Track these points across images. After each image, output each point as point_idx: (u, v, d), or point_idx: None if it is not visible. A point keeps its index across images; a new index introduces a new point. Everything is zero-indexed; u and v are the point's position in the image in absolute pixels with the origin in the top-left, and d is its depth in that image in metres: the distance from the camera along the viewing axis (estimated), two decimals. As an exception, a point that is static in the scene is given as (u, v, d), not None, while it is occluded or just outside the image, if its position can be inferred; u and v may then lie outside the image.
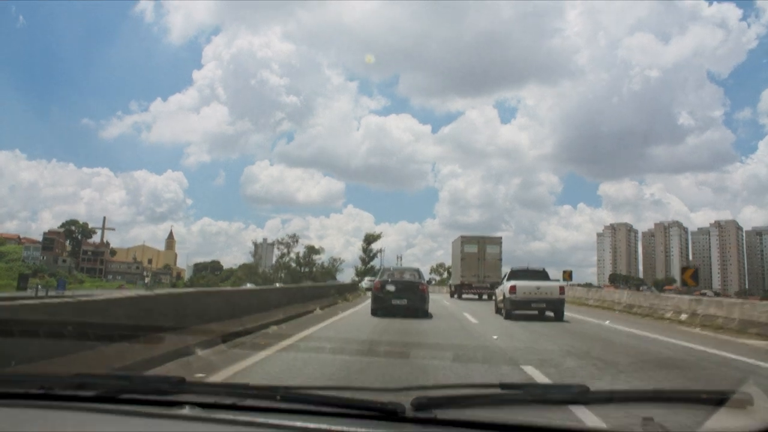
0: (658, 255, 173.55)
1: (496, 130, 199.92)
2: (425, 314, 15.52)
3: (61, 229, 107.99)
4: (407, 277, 17.02)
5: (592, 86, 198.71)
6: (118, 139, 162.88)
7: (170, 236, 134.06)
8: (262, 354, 7.48)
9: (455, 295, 33.48)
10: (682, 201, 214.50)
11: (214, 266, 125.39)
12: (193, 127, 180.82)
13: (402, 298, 15.59)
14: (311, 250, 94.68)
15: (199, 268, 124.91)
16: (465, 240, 33.76)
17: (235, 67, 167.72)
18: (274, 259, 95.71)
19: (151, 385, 1.70)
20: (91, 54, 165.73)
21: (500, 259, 32.96)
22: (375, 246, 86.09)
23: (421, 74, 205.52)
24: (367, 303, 19.38)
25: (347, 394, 1.61)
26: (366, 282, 48.22)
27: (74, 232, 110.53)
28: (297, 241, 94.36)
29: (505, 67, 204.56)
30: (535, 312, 16.45)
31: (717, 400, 1.56)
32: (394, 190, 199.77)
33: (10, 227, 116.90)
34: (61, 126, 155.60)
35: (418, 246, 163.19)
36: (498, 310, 18.31)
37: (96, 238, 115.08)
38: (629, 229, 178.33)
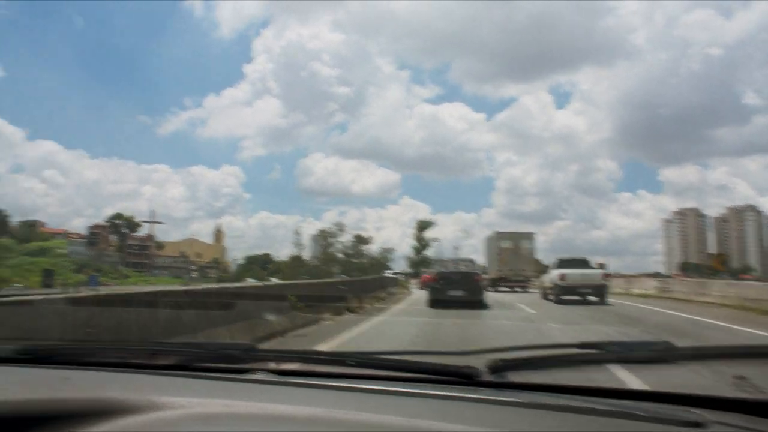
0: (733, 241, 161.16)
1: (551, 115, 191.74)
2: (482, 305, 15.52)
3: (107, 223, 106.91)
4: (462, 268, 17.12)
5: (650, 67, 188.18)
6: (175, 135, 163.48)
7: (218, 229, 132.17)
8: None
9: (490, 288, 32.51)
10: (750, 185, 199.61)
11: (265, 259, 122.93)
12: (247, 121, 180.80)
13: (458, 289, 15.78)
14: (359, 240, 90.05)
15: (250, 261, 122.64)
16: (500, 236, 36.06)
17: (286, 60, 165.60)
18: (320, 250, 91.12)
19: (222, 353, 1.68)
20: (145, 52, 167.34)
21: (533, 253, 35.60)
22: (430, 234, 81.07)
23: (473, 60, 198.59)
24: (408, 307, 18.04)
25: (421, 358, 1.52)
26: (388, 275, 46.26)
27: (120, 225, 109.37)
28: (343, 230, 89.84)
29: (559, 50, 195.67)
30: (580, 297, 18.11)
31: None
32: (450, 180, 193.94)
33: (78, 224, 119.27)
34: (121, 124, 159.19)
35: (475, 236, 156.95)
36: (545, 296, 20.26)
37: (147, 232, 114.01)
38: (698, 215, 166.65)
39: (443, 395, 1.25)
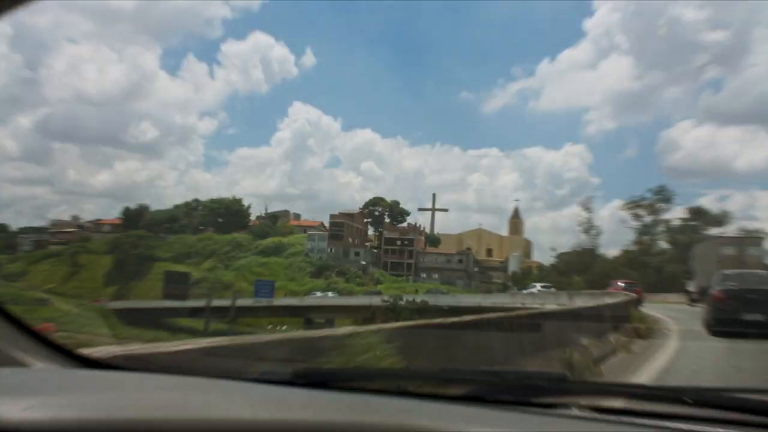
0: None
1: None
2: None
3: (361, 210, 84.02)
4: (762, 283, 13.08)
5: None
6: (503, 112, 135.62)
7: (515, 215, 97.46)
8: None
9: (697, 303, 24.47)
10: None
11: (586, 255, 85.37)
12: (591, 87, 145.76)
13: (758, 311, 11.94)
14: (696, 214, 59.86)
15: (563, 258, 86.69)
16: (722, 242, 34.07)
17: (636, 7, 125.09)
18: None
19: (527, 382, 1.54)
20: (462, 17, 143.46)
21: (764, 261, 32.84)
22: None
23: None
24: None
25: None
26: (538, 289, 38.70)
27: (380, 214, 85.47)
28: (669, 201, 60.50)
29: None
30: None
31: None
32: None
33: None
34: (440, 105, 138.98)
35: None
36: None
37: (422, 221, 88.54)
38: None
39: None
